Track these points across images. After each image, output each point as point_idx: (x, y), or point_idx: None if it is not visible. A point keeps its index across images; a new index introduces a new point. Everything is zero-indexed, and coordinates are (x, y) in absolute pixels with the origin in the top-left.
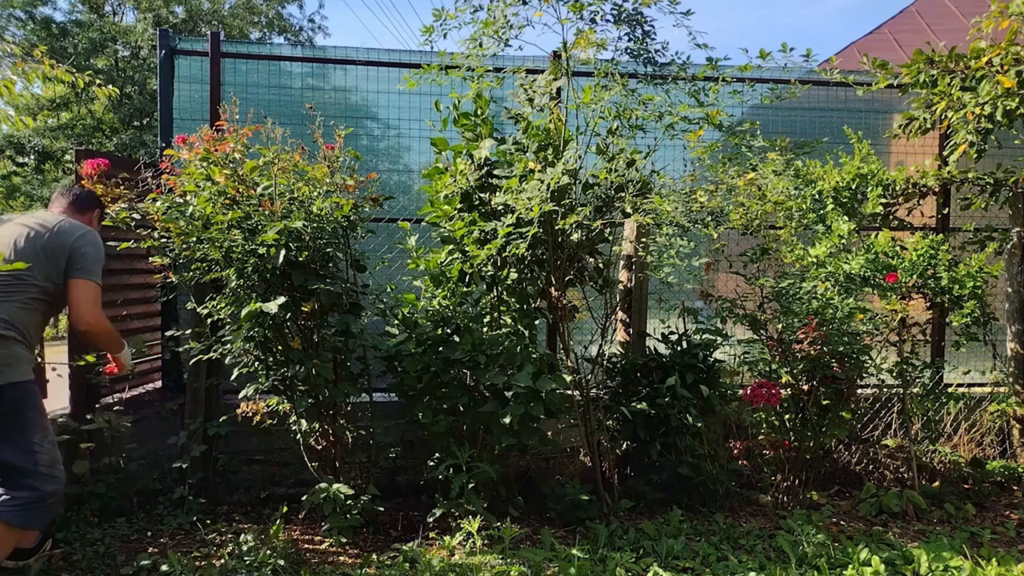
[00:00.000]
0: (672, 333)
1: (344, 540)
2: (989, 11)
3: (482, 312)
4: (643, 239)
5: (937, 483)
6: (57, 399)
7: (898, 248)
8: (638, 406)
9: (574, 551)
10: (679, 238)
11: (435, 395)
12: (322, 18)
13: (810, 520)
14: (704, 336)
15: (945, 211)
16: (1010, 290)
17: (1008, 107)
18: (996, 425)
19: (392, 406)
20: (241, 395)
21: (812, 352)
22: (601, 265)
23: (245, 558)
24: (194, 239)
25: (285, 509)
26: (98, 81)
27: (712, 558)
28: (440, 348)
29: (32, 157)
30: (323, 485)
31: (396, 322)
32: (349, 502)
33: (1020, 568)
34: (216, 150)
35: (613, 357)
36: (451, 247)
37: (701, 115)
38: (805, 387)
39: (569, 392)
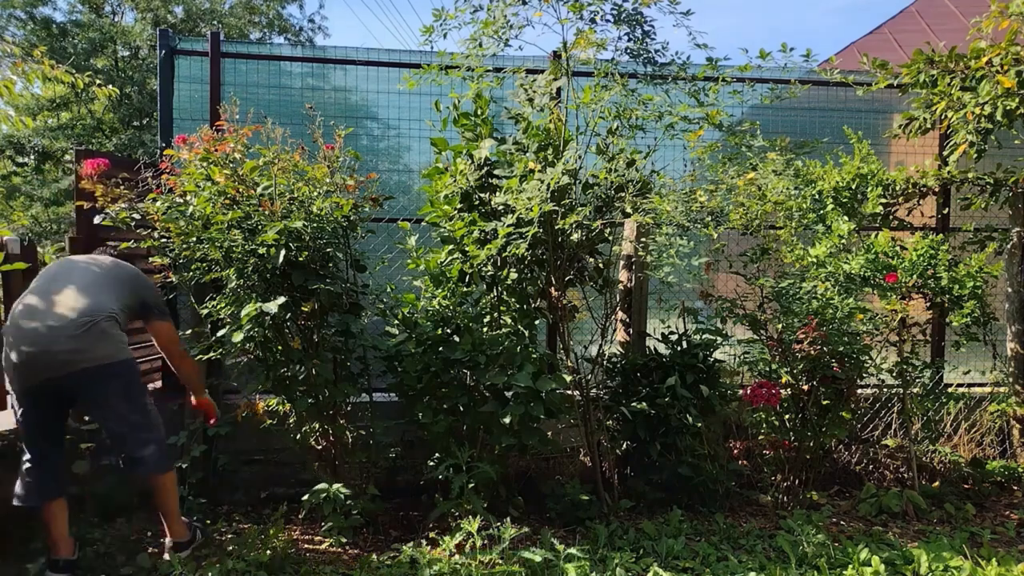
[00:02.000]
0: (672, 333)
1: (344, 540)
2: (989, 11)
3: (482, 312)
4: (643, 239)
5: (937, 483)
6: None
7: (898, 248)
8: (638, 406)
9: (574, 551)
10: (679, 238)
11: (435, 395)
12: (322, 18)
13: (810, 520)
14: (704, 336)
15: (945, 211)
16: (1010, 290)
17: (1008, 107)
18: (996, 425)
19: (392, 406)
20: (241, 395)
21: (812, 352)
22: (601, 265)
23: (245, 558)
24: (194, 239)
25: (285, 509)
26: (98, 81)
27: (712, 558)
28: (440, 348)
29: (32, 157)
30: (323, 485)
31: (396, 322)
32: (349, 502)
33: (1020, 568)
34: (216, 150)
35: (613, 357)
36: (451, 247)
37: (701, 115)
38: (805, 387)
39: (569, 392)
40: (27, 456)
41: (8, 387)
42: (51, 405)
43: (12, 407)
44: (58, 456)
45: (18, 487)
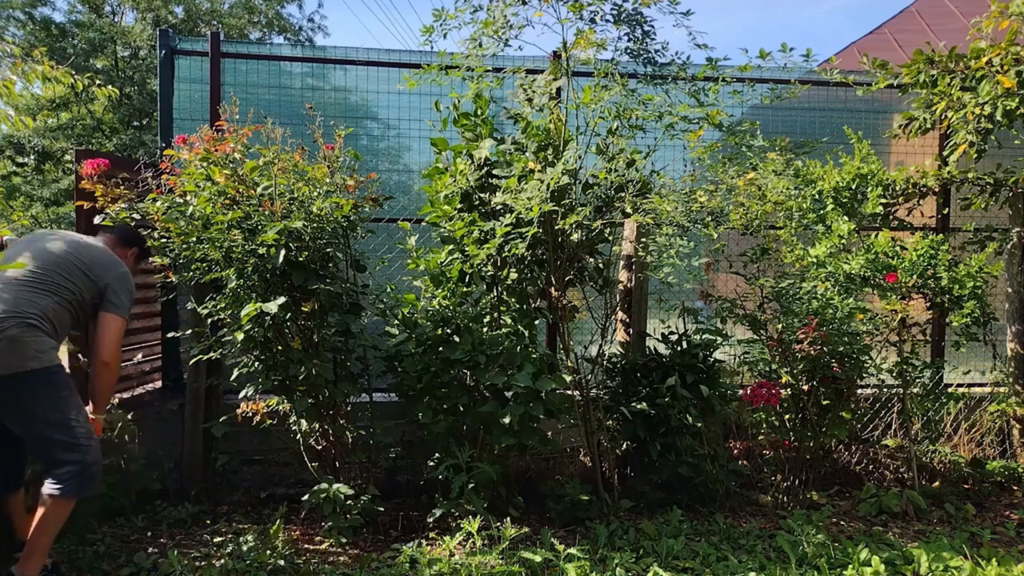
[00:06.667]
0: (672, 333)
1: (344, 540)
2: (989, 11)
3: (482, 312)
4: (643, 239)
5: (937, 483)
6: None
7: (898, 248)
8: (638, 406)
9: (574, 551)
10: (679, 238)
11: (435, 395)
12: (322, 18)
13: (810, 520)
14: (704, 336)
15: (945, 211)
16: (1010, 290)
17: (1008, 107)
18: (996, 425)
19: (392, 406)
20: (241, 395)
21: (812, 352)
22: (601, 265)
23: (245, 558)
24: (194, 239)
25: (285, 509)
26: (98, 81)
27: (712, 558)
28: (440, 348)
29: (32, 157)
30: (323, 485)
31: (396, 322)
32: (349, 502)
33: (1020, 568)
34: (216, 150)
35: (613, 357)
36: (451, 247)
37: (701, 115)
38: (805, 387)
39: (569, 392)
40: None
41: None
42: None
43: None
44: (7, 457)
45: None
